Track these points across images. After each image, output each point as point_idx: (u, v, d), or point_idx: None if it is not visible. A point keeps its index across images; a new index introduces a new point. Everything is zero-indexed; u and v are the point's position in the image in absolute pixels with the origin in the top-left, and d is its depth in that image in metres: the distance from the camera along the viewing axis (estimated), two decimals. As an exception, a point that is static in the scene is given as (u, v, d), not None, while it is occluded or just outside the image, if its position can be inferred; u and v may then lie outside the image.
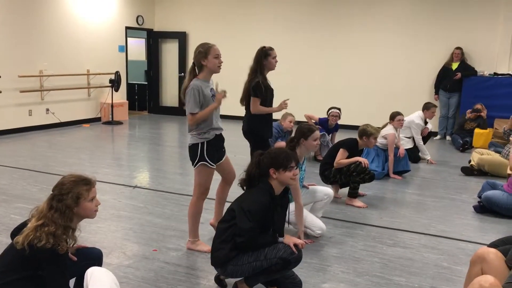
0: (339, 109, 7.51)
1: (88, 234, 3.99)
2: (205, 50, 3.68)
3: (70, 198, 2.43)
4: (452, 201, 5.50)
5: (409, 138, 7.40)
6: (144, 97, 12.96)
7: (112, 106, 10.72)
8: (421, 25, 9.94)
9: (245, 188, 3.14)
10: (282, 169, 3.01)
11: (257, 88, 4.48)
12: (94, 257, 2.76)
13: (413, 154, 7.36)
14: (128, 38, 11.86)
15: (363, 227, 4.56)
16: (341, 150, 5.18)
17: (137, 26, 11.89)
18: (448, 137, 9.69)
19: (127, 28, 11.55)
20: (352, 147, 5.23)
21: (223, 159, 3.93)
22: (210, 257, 3.08)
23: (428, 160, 7.50)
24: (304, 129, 4.02)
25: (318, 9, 10.73)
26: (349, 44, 10.55)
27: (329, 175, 5.25)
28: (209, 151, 3.70)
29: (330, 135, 7.57)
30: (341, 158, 5.14)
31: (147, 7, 12.14)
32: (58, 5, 9.69)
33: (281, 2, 11.03)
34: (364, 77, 10.54)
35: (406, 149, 6.85)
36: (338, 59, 10.71)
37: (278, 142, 6.50)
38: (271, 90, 4.67)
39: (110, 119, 10.76)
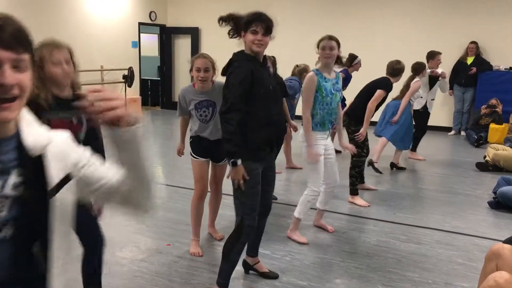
0: None
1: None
2: (191, 62, 3.53)
3: None
4: (467, 197, 5.45)
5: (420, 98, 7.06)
6: (157, 92, 13.02)
7: (125, 101, 10.77)
8: (436, 19, 9.82)
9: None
10: (243, 32, 2.89)
11: None
12: (88, 243, 2.53)
13: (421, 118, 7.09)
14: (141, 34, 11.91)
15: (376, 223, 4.55)
16: (379, 91, 5.03)
17: (150, 22, 11.93)
18: (462, 133, 9.57)
19: (140, 24, 11.60)
20: (388, 86, 5.16)
21: (217, 164, 3.77)
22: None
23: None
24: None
25: (331, 3, 10.66)
26: (362, 38, 10.45)
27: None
28: (191, 145, 3.80)
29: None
30: (378, 101, 5.00)
31: (159, 3, 12.17)
32: (71, 1, 9.76)
33: (294, -3, 10.99)
34: (377, 71, 10.42)
35: (414, 110, 6.73)
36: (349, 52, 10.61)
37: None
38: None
39: (123, 115, 10.82)
